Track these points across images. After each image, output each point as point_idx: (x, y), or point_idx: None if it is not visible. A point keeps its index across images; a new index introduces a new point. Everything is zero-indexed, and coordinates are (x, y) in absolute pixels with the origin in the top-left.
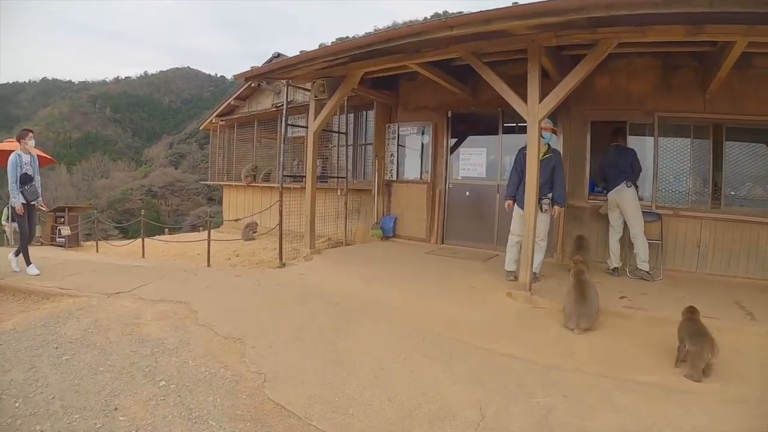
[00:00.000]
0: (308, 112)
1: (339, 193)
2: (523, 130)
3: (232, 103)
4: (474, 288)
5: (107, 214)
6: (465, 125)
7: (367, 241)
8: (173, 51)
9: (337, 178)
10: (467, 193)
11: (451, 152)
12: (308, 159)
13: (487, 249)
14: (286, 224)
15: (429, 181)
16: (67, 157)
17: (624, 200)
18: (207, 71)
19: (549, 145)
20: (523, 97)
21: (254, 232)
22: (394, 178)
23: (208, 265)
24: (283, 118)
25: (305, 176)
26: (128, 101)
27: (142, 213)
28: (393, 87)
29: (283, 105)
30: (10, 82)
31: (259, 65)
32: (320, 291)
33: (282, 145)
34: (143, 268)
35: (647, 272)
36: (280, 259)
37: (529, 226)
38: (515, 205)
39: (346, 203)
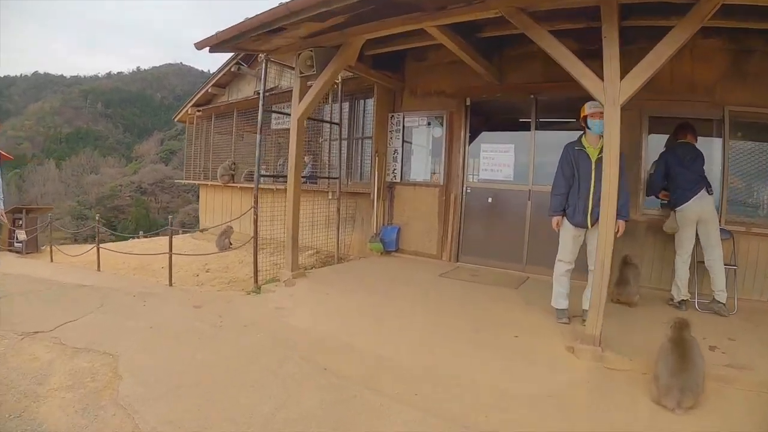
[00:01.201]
0: (293, 94)
1: (330, 197)
2: (553, 126)
3: (210, 91)
4: (519, 337)
5: (96, 211)
6: (488, 116)
7: (365, 256)
8: (166, 47)
9: (329, 178)
10: (489, 200)
11: (470, 149)
12: (292, 152)
13: (515, 270)
14: (268, 232)
15: (441, 183)
16: (57, 153)
17: (709, 213)
18: (200, 68)
19: (603, 137)
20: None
21: (230, 242)
22: (398, 179)
23: (170, 284)
24: (261, 101)
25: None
26: (120, 97)
27: (97, 218)
28: (398, 68)
29: (261, 88)
30: (1, 75)
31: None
32: (303, 340)
33: (260, 135)
34: (87, 288)
35: (723, 304)
36: (255, 281)
37: (605, 253)
38: (565, 220)
39: (338, 209)
